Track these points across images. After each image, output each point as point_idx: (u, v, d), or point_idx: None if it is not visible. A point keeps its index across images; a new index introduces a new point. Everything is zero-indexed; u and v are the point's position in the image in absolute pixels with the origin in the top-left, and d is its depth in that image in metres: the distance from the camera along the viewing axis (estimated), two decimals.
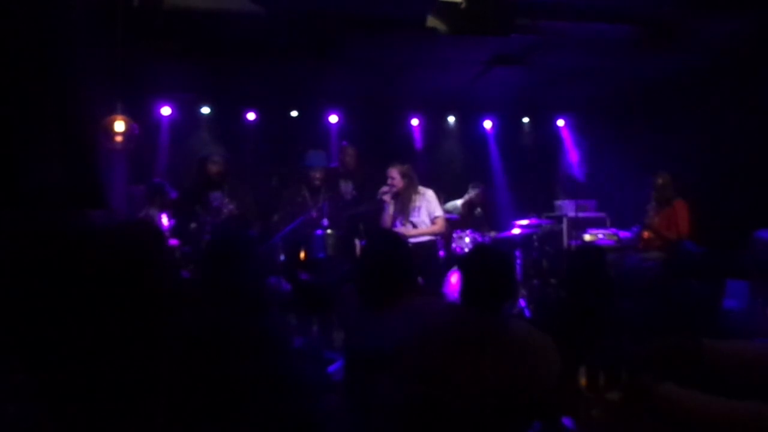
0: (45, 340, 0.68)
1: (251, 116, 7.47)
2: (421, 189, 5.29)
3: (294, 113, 7.61)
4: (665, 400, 1.39)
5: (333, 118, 7.63)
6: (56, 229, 0.76)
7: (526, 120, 8.34)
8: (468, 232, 6.25)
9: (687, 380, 1.42)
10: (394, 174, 5.18)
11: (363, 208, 5.70)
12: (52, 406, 0.69)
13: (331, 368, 2.86)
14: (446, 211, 6.46)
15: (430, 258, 5.33)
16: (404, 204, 5.17)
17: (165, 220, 5.01)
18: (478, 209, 6.97)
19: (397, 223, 5.22)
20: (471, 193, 6.87)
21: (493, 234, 6.50)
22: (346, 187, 5.97)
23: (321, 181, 5.31)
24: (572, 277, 2.67)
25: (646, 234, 5.65)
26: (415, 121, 7.93)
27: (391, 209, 5.17)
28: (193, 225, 4.91)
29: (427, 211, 5.23)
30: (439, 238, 5.55)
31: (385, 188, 5.16)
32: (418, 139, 7.91)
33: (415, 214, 5.19)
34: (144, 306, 0.76)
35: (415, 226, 5.20)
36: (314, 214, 5.12)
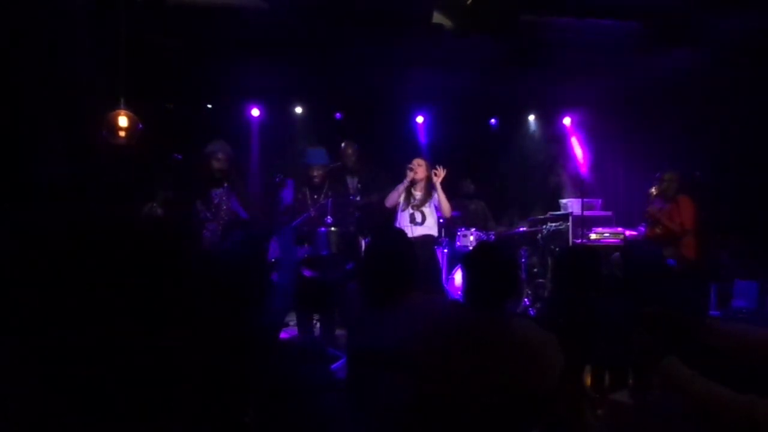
0: (51, 338, 0.66)
1: (255, 112, 7.46)
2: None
3: (298, 110, 7.59)
4: (667, 375, 1.40)
5: (337, 115, 7.61)
6: (60, 225, 0.74)
7: (531, 117, 8.29)
8: (472, 230, 6.23)
9: (685, 354, 1.43)
10: (421, 162, 5.50)
11: (374, 197, 5.79)
12: (53, 406, 0.67)
13: (335, 366, 2.84)
14: None
15: (431, 251, 5.54)
16: (423, 194, 5.45)
17: None
18: (475, 202, 6.89)
19: (404, 211, 5.39)
20: (465, 188, 6.85)
21: (498, 231, 6.46)
22: (353, 182, 5.98)
23: (321, 179, 5.29)
24: (558, 275, 2.65)
25: (650, 231, 5.60)
26: (420, 119, 7.90)
27: (401, 195, 5.39)
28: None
29: (437, 208, 5.51)
30: (441, 235, 5.77)
31: (411, 166, 5.42)
32: (422, 136, 7.88)
33: (429, 205, 5.47)
34: (161, 309, 0.74)
35: (424, 216, 5.44)
36: (313, 213, 5.10)
